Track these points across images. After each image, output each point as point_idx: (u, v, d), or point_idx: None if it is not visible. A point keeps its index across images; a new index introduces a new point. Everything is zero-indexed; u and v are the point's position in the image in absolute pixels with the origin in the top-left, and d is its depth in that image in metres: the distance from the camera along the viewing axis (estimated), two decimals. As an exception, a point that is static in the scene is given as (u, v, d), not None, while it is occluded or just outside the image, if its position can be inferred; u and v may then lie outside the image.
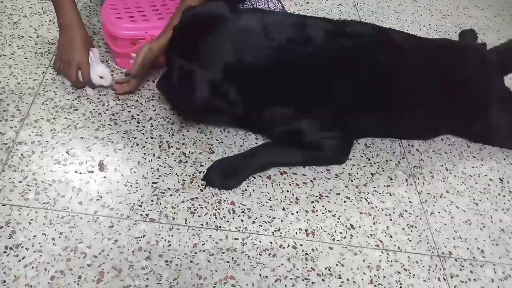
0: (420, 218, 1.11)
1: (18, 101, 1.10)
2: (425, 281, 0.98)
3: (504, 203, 1.20)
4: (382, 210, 1.10)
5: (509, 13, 2.10)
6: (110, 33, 1.18)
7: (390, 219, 1.09)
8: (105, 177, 1.00)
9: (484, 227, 1.13)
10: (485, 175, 1.27)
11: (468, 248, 1.08)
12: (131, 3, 1.23)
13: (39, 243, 0.87)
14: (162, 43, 1.11)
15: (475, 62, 1.29)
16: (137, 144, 1.08)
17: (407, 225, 1.09)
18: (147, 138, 1.10)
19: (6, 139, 1.02)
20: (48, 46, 1.25)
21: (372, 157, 1.22)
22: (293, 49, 1.04)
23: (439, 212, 1.14)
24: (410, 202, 1.14)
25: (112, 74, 1.17)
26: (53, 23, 1.30)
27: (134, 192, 0.99)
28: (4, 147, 1.00)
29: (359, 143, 1.25)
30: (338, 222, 1.05)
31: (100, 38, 1.32)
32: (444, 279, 1.00)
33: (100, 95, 1.17)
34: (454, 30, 1.81)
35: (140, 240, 0.91)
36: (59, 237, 0.88)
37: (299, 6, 1.73)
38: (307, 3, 1.75)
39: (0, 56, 1.19)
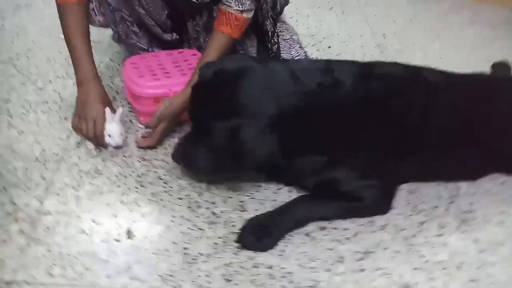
0: (481, 271, 0.99)
1: (42, 169, 1.06)
2: None
3: None
4: (437, 263, 0.99)
5: (539, 40, 2.02)
6: (132, 92, 1.16)
7: (448, 273, 0.97)
8: (132, 245, 0.94)
9: (556, 275, 1.00)
10: (547, 216, 1.14)
11: (539, 303, 0.94)
12: (152, 61, 1.22)
13: (65, 324, 0.79)
14: (183, 97, 1.08)
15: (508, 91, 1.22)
16: (165, 207, 1.02)
17: (469, 279, 0.97)
18: (175, 199, 1.04)
19: (30, 210, 0.97)
20: (72, 110, 1.24)
21: (418, 204, 1.12)
22: (323, 94, 0.99)
23: (503, 262, 1.01)
24: (466, 252, 1.02)
25: (126, 136, 1.14)
26: (75, 85, 1.29)
27: (164, 261, 0.92)
28: (29, 219, 0.95)
29: (401, 190, 1.15)
30: (389, 280, 0.94)
31: (123, 98, 1.30)
32: None
33: (125, 156, 1.13)
34: (484, 63, 1.74)
35: (173, 316, 0.83)
36: (86, 317, 0.81)
37: (321, 51, 1.70)
38: (329, 47, 1.72)
39: (25, 122, 1.18)
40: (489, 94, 1.20)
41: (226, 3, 1.11)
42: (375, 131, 1.04)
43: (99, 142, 1.11)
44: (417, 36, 1.89)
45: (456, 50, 1.84)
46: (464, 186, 1.20)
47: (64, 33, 1.14)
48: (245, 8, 1.11)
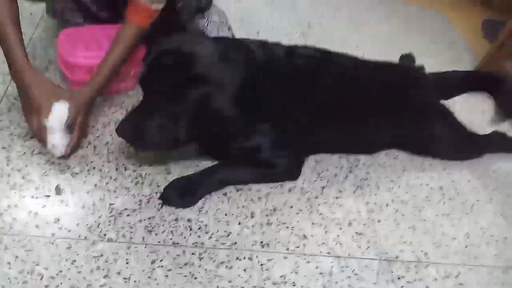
0: (368, 226, 1.18)
1: (-28, 130, 1.11)
2: (374, 283, 1.05)
3: (444, 209, 1.30)
4: (333, 220, 1.17)
5: (444, 39, 2.29)
6: (66, 62, 1.22)
7: (340, 228, 1.16)
8: (62, 200, 1.02)
9: (427, 231, 1.22)
10: (427, 184, 1.37)
11: (413, 251, 1.15)
12: (86, 33, 1.28)
13: (-6, 268, 0.87)
14: (94, 88, 1.12)
15: (413, 79, 1.42)
16: (94, 168, 1.11)
17: (356, 232, 1.16)
18: (103, 162, 1.13)
19: (-40, 168, 1.02)
20: (3, 76, 1.27)
21: (322, 172, 1.30)
22: (269, 65, 1.13)
23: (385, 220, 1.21)
24: (358, 212, 1.22)
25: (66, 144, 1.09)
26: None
27: (92, 214, 1.01)
28: (-43, 175, 1.01)
29: (309, 159, 1.32)
30: (291, 233, 1.11)
31: (55, 68, 1.35)
32: (392, 281, 1.07)
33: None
34: (395, 54, 1.96)
35: (98, 260, 0.93)
36: (15, 260, 0.89)
37: (250, 37, 1.81)
38: (258, 33, 1.85)
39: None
40: (391, 77, 1.39)
41: None
42: (290, 104, 1.18)
43: (39, 139, 1.08)
44: (338, 28, 2.08)
45: (372, 42, 2.05)
46: (363, 158, 1.39)
47: None
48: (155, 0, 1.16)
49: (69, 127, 1.07)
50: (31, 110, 1.06)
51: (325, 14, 2.16)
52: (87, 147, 1.16)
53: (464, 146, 1.47)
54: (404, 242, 1.17)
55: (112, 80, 1.19)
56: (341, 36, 2.00)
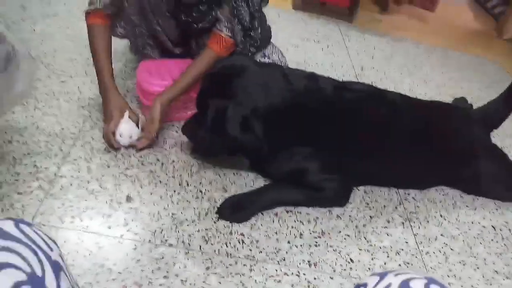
0: (416, 257, 1.20)
1: (61, 143, 1.27)
2: (420, 312, 1.05)
3: (497, 248, 1.28)
4: (380, 248, 1.20)
5: (500, 85, 2.29)
6: (142, 88, 1.39)
7: (388, 256, 1.18)
8: (131, 207, 1.14)
9: (477, 268, 1.21)
10: (479, 223, 1.36)
11: (462, 286, 1.15)
12: (161, 65, 1.46)
13: (73, 259, 0.99)
14: (169, 97, 1.29)
15: (460, 117, 1.46)
16: (160, 182, 1.23)
17: (404, 261, 1.17)
18: (169, 177, 1.25)
19: (49, 173, 1.18)
20: (89, 100, 1.46)
21: (371, 202, 1.34)
22: (308, 95, 1.22)
23: (434, 253, 1.22)
24: (406, 242, 1.23)
25: (131, 137, 1.29)
26: (92, 82, 1.51)
27: (156, 221, 1.12)
28: (47, 179, 1.16)
29: (358, 190, 1.37)
30: (338, 256, 1.15)
31: (132, 96, 1.52)
32: (439, 312, 1.06)
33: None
34: (448, 99, 2.00)
35: (159, 261, 1.03)
36: (89, 254, 1.00)
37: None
38: (314, 73, 1.97)
39: (48, 106, 1.39)
40: (439, 115, 1.43)
41: (219, 28, 1.35)
42: (344, 132, 1.25)
43: (108, 143, 1.28)
44: (392, 72, 2.16)
45: (425, 86, 2.10)
46: (412, 192, 1.42)
47: (90, 49, 1.36)
48: (234, 35, 1.34)
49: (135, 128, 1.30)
50: (107, 119, 1.30)
51: (379, 59, 2.25)
52: (155, 164, 1.29)
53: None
54: (454, 276, 1.17)
55: (184, 93, 1.34)
56: (394, 80, 2.07)
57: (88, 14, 1.35)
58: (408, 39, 2.58)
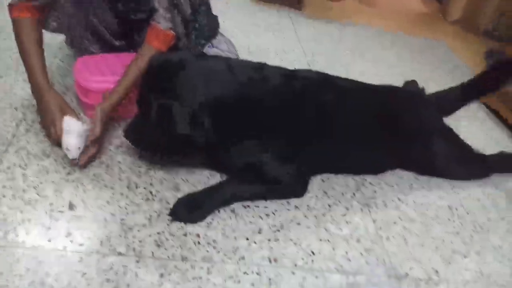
0: (376, 243, 1.18)
1: (-9, 151, 1.16)
2: (383, 299, 1.04)
3: (454, 227, 1.30)
4: (340, 236, 1.17)
5: (448, 65, 2.35)
6: (82, 87, 1.28)
7: (348, 244, 1.16)
8: (74, 215, 1.05)
9: (436, 248, 1.21)
10: (435, 203, 1.37)
11: (423, 268, 1.14)
12: (102, 60, 1.35)
13: (6, 279, 0.89)
14: (112, 102, 1.19)
15: (411, 99, 1.46)
16: (106, 186, 1.14)
17: (365, 249, 1.16)
18: (115, 180, 1.17)
19: (-22, 185, 1.06)
20: (22, 100, 1.34)
21: (329, 190, 1.32)
22: (253, 86, 1.16)
23: (393, 237, 1.21)
24: (366, 228, 1.22)
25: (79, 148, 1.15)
26: (25, 81, 1.38)
27: (103, 228, 1.03)
28: (-24, 192, 1.04)
29: (315, 178, 1.34)
30: (299, 248, 1.11)
31: (72, 93, 1.41)
32: (402, 297, 1.06)
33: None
34: (399, 80, 2.01)
35: (108, 272, 0.95)
36: (26, 272, 0.91)
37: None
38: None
39: (-25, 111, 1.26)
40: (390, 99, 1.43)
41: (156, 20, 1.25)
42: (295, 122, 1.21)
43: (56, 144, 1.18)
44: (342, 56, 2.15)
45: (376, 69, 2.11)
46: (369, 178, 1.41)
47: (19, 48, 1.23)
48: (174, 27, 1.26)
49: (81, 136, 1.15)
50: (48, 123, 1.19)
51: (329, 44, 2.24)
52: (99, 166, 1.19)
53: (468, 164, 1.48)
54: (414, 259, 1.16)
55: (128, 95, 1.24)
56: (345, 64, 2.06)
57: (11, 6, 1.22)
58: (357, 24, 2.58)
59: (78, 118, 1.20)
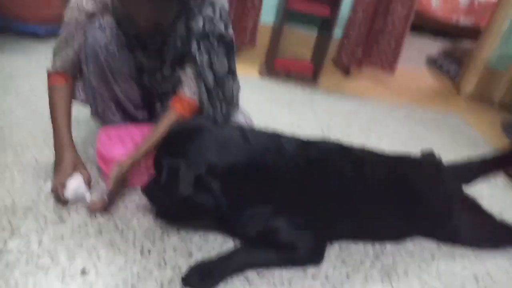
0: (400, 315, 1.11)
1: (11, 217, 1.18)
2: None
3: (482, 300, 1.21)
4: (360, 308, 1.11)
5: (463, 136, 2.35)
6: (102, 156, 1.33)
7: (369, 316, 1.09)
8: (85, 281, 1.03)
9: (465, 322, 1.13)
10: (460, 273, 1.30)
11: None
12: (123, 131, 1.42)
13: None
14: (131, 161, 1.24)
15: (431, 170, 1.44)
16: (120, 251, 1.14)
17: (387, 322, 1.08)
18: (129, 246, 1.16)
19: (-5, 249, 1.08)
20: (46, 171, 1.39)
21: (347, 258, 1.27)
22: (268, 156, 1.19)
23: (418, 309, 1.14)
24: (387, 300, 1.15)
25: (85, 194, 1.25)
26: (50, 152, 1.44)
27: (113, 295, 1.01)
28: (-8, 256, 1.05)
29: (333, 246, 1.30)
30: (316, 320, 1.05)
31: (93, 163, 1.46)
32: None
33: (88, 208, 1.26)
34: (415, 153, 2.01)
35: None
36: (33, 338, 0.88)
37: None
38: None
39: (1, 179, 1.32)
40: (409, 169, 1.42)
41: (182, 89, 1.35)
42: (312, 189, 1.21)
43: (54, 196, 1.24)
44: (357, 130, 2.19)
45: (391, 142, 2.13)
46: (388, 246, 1.36)
47: (49, 107, 1.35)
48: (197, 96, 1.34)
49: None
50: (59, 173, 1.27)
51: (344, 119, 2.30)
52: (115, 232, 1.20)
53: (492, 234, 1.42)
54: (441, 333, 1.08)
55: (147, 156, 1.28)
56: (360, 138, 2.09)
57: (49, 75, 1.36)
58: (371, 99, 2.67)
59: (88, 173, 1.30)
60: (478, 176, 1.54)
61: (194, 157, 1.11)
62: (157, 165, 1.19)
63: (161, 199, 1.19)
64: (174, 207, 1.17)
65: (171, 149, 1.16)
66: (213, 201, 1.12)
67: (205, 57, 1.31)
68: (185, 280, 1.08)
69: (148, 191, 1.23)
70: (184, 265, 1.13)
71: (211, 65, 1.32)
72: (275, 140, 1.25)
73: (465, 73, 3.18)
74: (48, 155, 1.45)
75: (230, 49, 1.35)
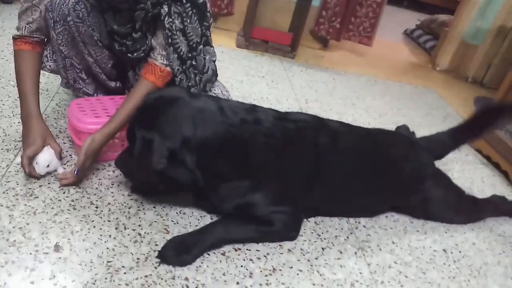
0: (372, 287, 1.15)
1: (-21, 191, 1.14)
2: None
3: (450, 272, 1.26)
4: (334, 281, 1.14)
5: (438, 112, 2.39)
6: (74, 127, 1.29)
7: (342, 289, 1.12)
8: (60, 257, 1.02)
9: (433, 294, 1.18)
10: (430, 247, 1.34)
11: (420, 315, 1.10)
12: (96, 103, 1.37)
13: (-16, 324, 0.85)
14: (104, 133, 1.21)
15: (404, 143, 1.47)
16: (94, 227, 1.12)
17: (359, 294, 1.12)
18: (104, 221, 1.14)
19: (-38, 225, 1.04)
20: (15, 143, 1.34)
21: (322, 233, 1.29)
22: (245, 128, 1.16)
23: (389, 281, 1.18)
24: (360, 273, 1.19)
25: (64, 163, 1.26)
26: (20, 124, 1.39)
27: (88, 271, 1.00)
28: (-41, 233, 1.02)
29: (309, 221, 1.32)
30: (291, 293, 1.08)
31: (65, 136, 1.42)
32: None
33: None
34: (391, 127, 2.04)
35: (90, 317, 0.91)
36: (6, 316, 0.87)
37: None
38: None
39: (-34, 152, 1.26)
40: (382, 141, 1.43)
41: (153, 56, 1.30)
42: (287, 163, 1.21)
43: (26, 171, 1.19)
44: (335, 103, 2.19)
45: (368, 115, 2.14)
46: (363, 221, 1.39)
47: (15, 75, 1.29)
48: (169, 63, 1.29)
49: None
50: (27, 145, 1.22)
51: (322, 92, 2.29)
52: (89, 207, 1.18)
53: (461, 208, 1.47)
54: (410, 304, 1.13)
55: (122, 129, 1.25)
56: (338, 111, 2.10)
57: (15, 40, 1.29)
58: (349, 73, 2.66)
59: (58, 145, 1.26)
60: (448, 150, 1.57)
61: (168, 130, 1.08)
62: (131, 136, 1.15)
63: (135, 172, 1.17)
64: (148, 180, 1.15)
65: (145, 121, 1.12)
66: (188, 175, 1.10)
67: (177, 22, 1.25)
68: (162, 255, 1.07)
69: (121, 163, 1.21)
70: (160, 240, 1.13)
71: (183, 31, 1.27)
72: (251, 112, 1.22)
73: (441, 46, 3.20)
74: (16, 128, 1.40)
75: (203, 14, 1.30)
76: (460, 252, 1.35)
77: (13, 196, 1.15)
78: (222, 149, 1.13)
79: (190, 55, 1.30)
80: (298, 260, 1.18)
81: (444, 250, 1.34)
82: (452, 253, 1.34)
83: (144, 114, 1.14)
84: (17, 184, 1.19)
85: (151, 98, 1.16)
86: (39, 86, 1.31)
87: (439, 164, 1.52)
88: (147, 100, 1.16)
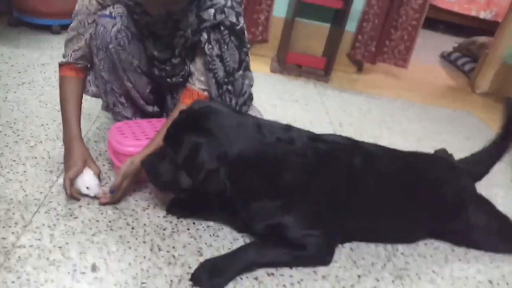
0: (411, 319, 1.10)
1: (23, 211, 1.19)
2: None
3: (496, 305, 1.19)
4: (371, 310, 1.10)
5: (478, 135, 2.31)
6: (114, 150, 1.33)
7: (380, 319, 1.08)
8: (96, 277, 1.04)
9: (478, 328, 1.11)
10: (474, 277, 1.28)
11: None
12: (135, 126, 1.42)
13: None
14: (142, 155, 1.23)
15: (444, 167, 1.41)
16: (130, 248, 1.14)
17: (398, 325, 1.07)
18: (139, 242, 1.16)
19: (6, 243, 1.08)
20: (58, 165, 1.39)
21: (358, 259, 1.26)
22: (279, 146, 1.16)
23: (429, 313, 1.13)
24: (399, 302, 1.14)
25: (103, 185, 1.30)
26: (63, 147, 1.44)
27: (123, 292, 1.01)
28: (4, 250, 1.06)
29: (344, 247, 1.29)
30: (326, 322, 1.04)
31: (104, 159, 1.47)
32: None
33: (99, 205, 1.26)
34: (429, 151, 1.98)
35: (124, 338, 0.91)
36: (44, 334, 0.89)
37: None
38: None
39: (13, 172, 1.32)
40: (421, 165, 1.39)
41: (191, 82, 1.35)
42: (319, 184, 1.19)
43: (68, 192, 1.23)
44: (370, 127, 2.16)
45: (405, 139, 2.10)
46: (400, 247, 1.34)
47: (60, 99, 1.35)
48: (207, 88, 1.33)
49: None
50: (68, 167, 1.27)
51: (356, 115, 2.27)
52: (125, 228, 1.20)
53: (507, 236, 1.40)
54: (453, 338, 1.07)
55: None
56: (373, 135, 2.07)
57: (61, 66, 1.37)
58: (384, 96, 2.63)
59: (97, 167, 1.30)
60: (487, 169, 1.50)
61: (214, 138, 1.09)
62: (170, 140, 1.16)
63: (162, 174, 1.17)
64: (172, 185, 1.16)
65: (193, 125, 1.12)
66: (218, 186, 1.10)
67: (216, 48, 1.29)
68: (195, 278, 1.07)
69: (148, 164, 1.20)
70: (193, 262, 1.13)
71: (221, 57, 1.30)
72: (286, 132, 1.22)
73: (480, 69, 3.12)
74: (59, 151, 1.46)
75: (241, 41, 1.33)
76: (507, 284, 1.27)
77: (55, 216, 1.19)
78: (254, 166, 1.12)
79: (226, 80, 1.33)
80: (333, 287, 1.14)
81: (489, 281, 1.27)
82: (498, 284, 1.27)
83: (192, 119, 1.14)
84: (59, 204, 1.24)
85: (198, 106, 1.17)
86: (81, 110, 1.37)
87: (483, 189, 1.46)
88: (193, 106, 1.18)
